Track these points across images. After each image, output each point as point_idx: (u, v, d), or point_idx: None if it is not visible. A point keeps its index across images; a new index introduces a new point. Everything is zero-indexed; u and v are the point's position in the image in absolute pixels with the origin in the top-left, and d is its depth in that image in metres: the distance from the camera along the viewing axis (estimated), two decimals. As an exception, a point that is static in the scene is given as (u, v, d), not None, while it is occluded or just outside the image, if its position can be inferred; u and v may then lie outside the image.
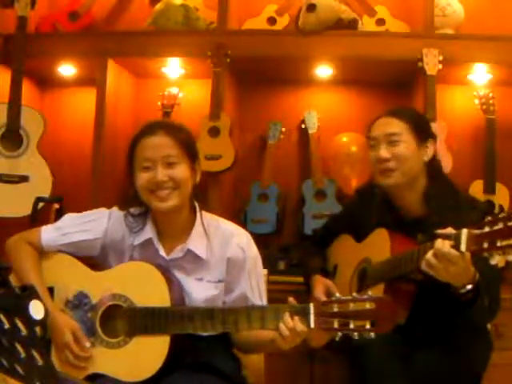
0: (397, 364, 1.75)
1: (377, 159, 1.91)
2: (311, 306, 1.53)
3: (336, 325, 1.47)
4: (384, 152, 1.89)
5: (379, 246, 1.90)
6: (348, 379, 1.88)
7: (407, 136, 1.89)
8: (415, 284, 1.79)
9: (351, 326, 1.45)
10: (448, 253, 1.56)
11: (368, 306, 1.44)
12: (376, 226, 1.96)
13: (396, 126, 1.90)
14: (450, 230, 1.61)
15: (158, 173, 1.66)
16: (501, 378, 2.15)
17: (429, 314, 1.83)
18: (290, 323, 1.51)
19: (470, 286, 1.64)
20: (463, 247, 1.54)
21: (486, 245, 1.47)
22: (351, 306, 1.46)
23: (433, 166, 1.93)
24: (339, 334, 1.47)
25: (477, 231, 1.50)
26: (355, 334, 1.45)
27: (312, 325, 1.51)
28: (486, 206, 1.93)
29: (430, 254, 1.61)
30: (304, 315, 1.52)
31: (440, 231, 1.62)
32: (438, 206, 1.87)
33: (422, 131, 1.92)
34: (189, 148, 1.72)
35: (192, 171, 1.72)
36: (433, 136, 1.96)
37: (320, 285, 2.04)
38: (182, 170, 1.69)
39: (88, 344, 1.64)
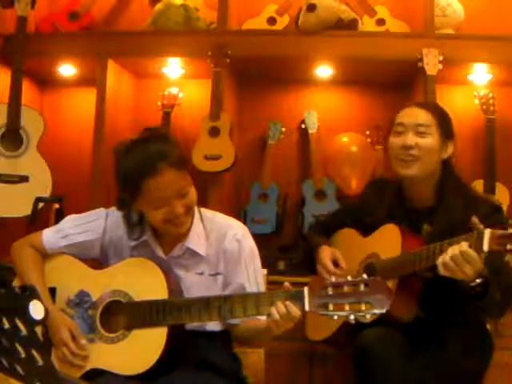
0: (401, 364, 1.75)
1: (401, 145, 1.91)
2: (305, 289, 1.53)
3: (331, 308, 1.47)
4: (411, 139, 1.90)
5: (389, 242, 1.90)
6: (350, 380, 1.88)
7: (435, 130, 1.91)
8: (423, 281, 1.80)
9: (346, 308, 1.45)
10: (466, 253, 1.58)
11: (362, 288, 1.44)
12: (386, 218, 1.96)
13: (426, 118, 1.92)
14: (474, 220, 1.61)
15: (176, 206, 1.62)
16: (501, 378, 2.16)
17: (434, 314, 1.84)
18: (282, 309, 1.51)
19: (479, 280, 1.65)
20: (486, 247, 1.55)
21: (509, 246, 1.49)
22: (346, 288, 1.46)
23: (448, 165, 1.96)
24: (335, 317, 1.46)
25: (500, 231, 1.51)
26: (351, 317, 1.44)
27: (307, 308, 1.51)
28: (495, 202, 1.95)
29: (447, 257, 1.62)
30: (299, 299, 1.52)
31: (473, 219, 1.61)
32: (448, 198, 1.89)
33: (447, 129, 1.95)
34: (187, 165, 1.71)
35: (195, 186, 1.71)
36: (454, 137, 1.97)
37: (327, 253, 2.02)
38: (193, 194, 1.68)
39: (84, 341, 1.66)
